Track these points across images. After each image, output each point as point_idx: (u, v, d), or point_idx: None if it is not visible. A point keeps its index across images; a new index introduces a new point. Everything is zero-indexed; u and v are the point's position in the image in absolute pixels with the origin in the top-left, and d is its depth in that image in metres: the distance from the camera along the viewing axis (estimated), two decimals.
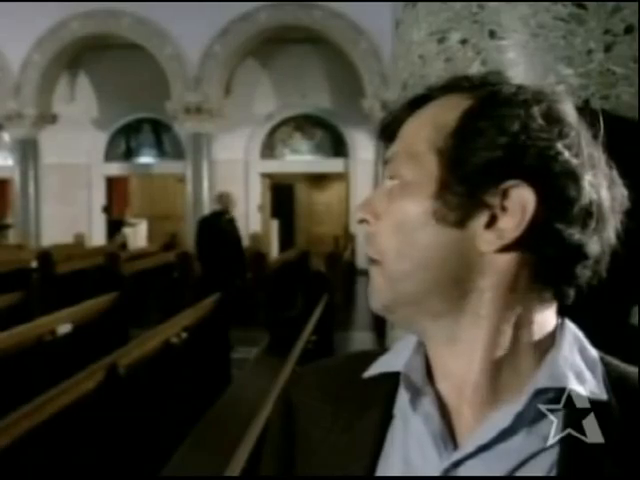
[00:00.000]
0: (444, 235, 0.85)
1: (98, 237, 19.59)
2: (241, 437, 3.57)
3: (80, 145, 19.36)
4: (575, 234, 0.82)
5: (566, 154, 0.82)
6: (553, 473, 0.81)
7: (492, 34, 1.54)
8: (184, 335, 6.75)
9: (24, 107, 18.00)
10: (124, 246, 18.26)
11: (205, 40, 16.95)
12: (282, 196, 20.56)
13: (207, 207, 17.29)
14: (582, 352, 0.87)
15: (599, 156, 0.86)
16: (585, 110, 0.90)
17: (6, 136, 19.55)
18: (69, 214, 19.24)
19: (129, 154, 20.05)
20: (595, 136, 0.88)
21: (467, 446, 0.84)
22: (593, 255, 0.84)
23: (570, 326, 0.90)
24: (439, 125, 0.88)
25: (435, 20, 1.62)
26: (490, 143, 0.83)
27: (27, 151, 18.49)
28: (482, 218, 0.84)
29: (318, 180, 21.47)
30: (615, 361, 0.89)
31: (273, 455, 1.04)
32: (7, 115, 18.05)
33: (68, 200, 19.36)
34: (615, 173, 0.88)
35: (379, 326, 9.69)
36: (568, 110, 0.87)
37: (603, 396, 0.83)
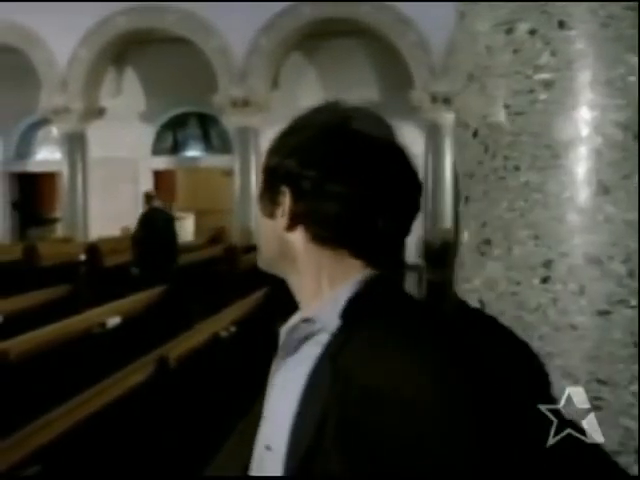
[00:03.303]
0: (268, 224, 1.32)
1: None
2: None
3: (127, 139, 19.54)
4: (333, 215, 1.23)
5: (310, 173, 1.24)
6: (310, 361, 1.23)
7: (561, 24, 1.53)
8: (233, 329, 6.80)
9: (71, 102, 18.20)
10: None
11: (250, 33, 17.00)
12: None
13: (254, 201, 17.37)
14: (357, 294, 1.24)
15: (342, 170, 1.24)
16: (343, 134, 1.26)
17: (54, 130, 19.81)
18: (116, 208, 19.44)
19: (176, 148, 20.20)
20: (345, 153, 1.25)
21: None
22: (335, 227, 1.24)
23: (360, 276, 1.26)
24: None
25: (502, 10, 1.62)
26: (277, 164, 1.31)
27: (74, 145, 18.69)
28: (278, 211, 1.28)
29: None
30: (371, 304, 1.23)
31: None
32: (55, 110, 18.27)
33: (115, 194, 19.56)
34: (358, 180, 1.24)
35: None
36: (320, 144, 1.27)
37: (332, 325, 1.21)
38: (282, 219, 1.27)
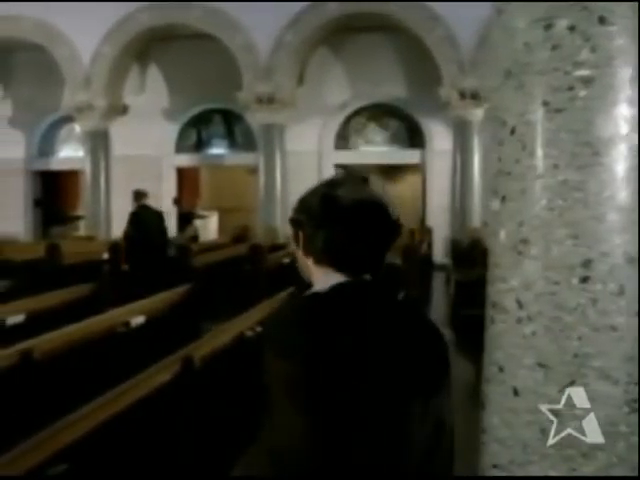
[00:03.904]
0: (298, 253, 2.02)
1: (168, 229, 19.78)
2: None
3: (150, 136, 19.60)
4: (319, 248, 1.96)
5: (309, 224, 1.97)
6: None
7: (602, 20, 1.53)
8: (259, 329, 6.81)
9: (95, 99, 18.30)
10: (195, 238, 18.48)
11: (276, 29, 17.01)
12: None
13: (279, 199, 17.39)
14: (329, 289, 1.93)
15: (333, 219, 1.93)
16: (328, 199, 1.94)
17: (77, 128, 19.93)
18: None
19: (200, 145, 20.23)
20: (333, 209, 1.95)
21: None
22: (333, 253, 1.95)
23: (337, 281, 1.94)
24: None
25: (541, 6, 1.62)
26: (295, 218, 2.03)
27: (97, 143, 18.79)
28: (299, 246, 2.01)
29: (392, 171, 21.38)
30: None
31: None
32: (78, 107, 18.37)
33: None
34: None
35: (456, 323, 9.65)
36: (327, 209, 1.95)
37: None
38: (300, 251, 2.02)
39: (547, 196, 1.63)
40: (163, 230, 12.02)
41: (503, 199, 1.77)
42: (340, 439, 1.78)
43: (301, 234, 1.99)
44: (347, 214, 1.92)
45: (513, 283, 1.73)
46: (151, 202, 19.17)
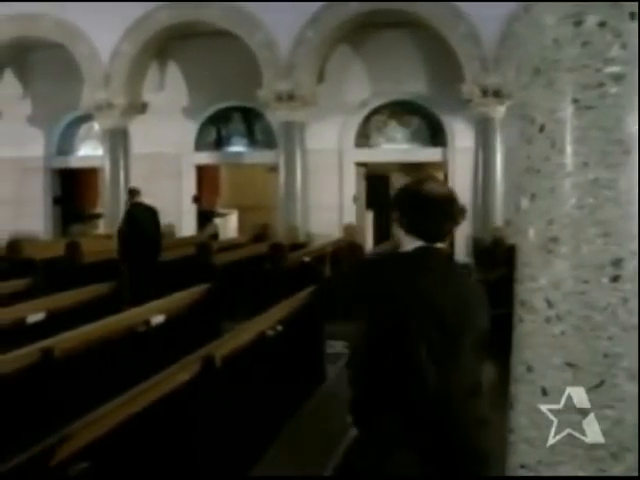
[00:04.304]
0: (396, 227, 3.04)
1: (188, 227, 19.89)
2: (337, 436, 3.60)
3: (169, 134, 19.66)
4: (407, 223, 2.99)
5: (399, 210, 3.03)
6: None
7: (632, 16, 1.53)
8: (279, 328, 6.83)
9: (114, 97, 18.36)
10: (215, 237, 18.54)
11: (296, 26, 17.01)
12: (377, 186, 20.44)
13: (300, 198, 17.40)
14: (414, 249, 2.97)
15: (416, 205, 2.98)
16: (412, 193, 3.03)
17: (96, 126, 20.03)
18: (158, 204, 19.43)
19: (219, 143, 20.26)
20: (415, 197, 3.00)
21: None
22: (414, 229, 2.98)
23: (419, 245, 2.96)
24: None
25: (570, 2, 1.61)
26: (392, 206, 3.07)
27: (117, 141, 18.85)
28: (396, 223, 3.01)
29: (414, 170, 21.33)
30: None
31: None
32: (97, 105, 18.44)
33: (157, 190, 19.62)
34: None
35: None
36: (410, 196, 3.03)
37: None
38: (397, 225, 3.02)
39: (577, 194, 1.64)
40: (157, 226, 12.20)
41: (532, 197, 1.77)
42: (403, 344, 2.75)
43: (396, 215, 3.04)
44: (425, 203, 2.98)
45: (542, 282, 1.73)
46: (171, 200, 19.35)
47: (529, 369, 1.86)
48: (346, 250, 12.56)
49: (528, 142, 1.77)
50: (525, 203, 1.80)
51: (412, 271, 2.85)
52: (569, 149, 1.64)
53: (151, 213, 12.29)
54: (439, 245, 2.96)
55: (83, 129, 21.41)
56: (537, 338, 1.82)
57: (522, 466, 1.90)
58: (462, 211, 3.01)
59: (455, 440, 2.69)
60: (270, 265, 11.93)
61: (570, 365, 1.76)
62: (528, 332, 1.86)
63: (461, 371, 2.75)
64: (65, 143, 21.53)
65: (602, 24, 1.58)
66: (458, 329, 2.76)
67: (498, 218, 16.25)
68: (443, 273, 2.91)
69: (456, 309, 2.78)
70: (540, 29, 1.71)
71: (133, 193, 12.05)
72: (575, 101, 1.63)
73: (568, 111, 1.65)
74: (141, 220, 11.69)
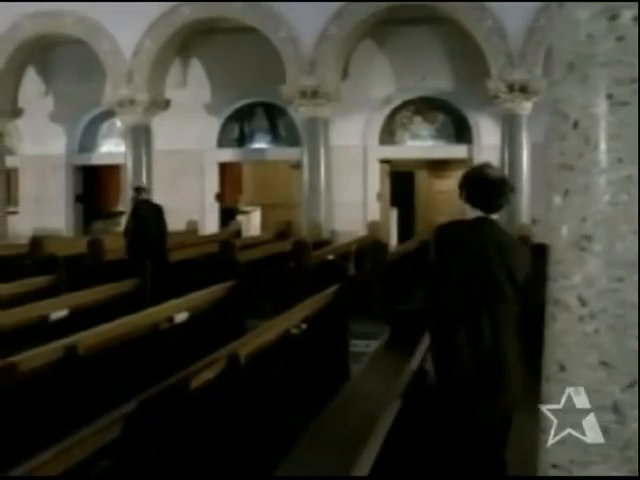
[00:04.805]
0: (464, 203, 4.27)
1: (211, 225, 19.94)
2: (363, 436, 3.60)
3: (192, 131, 19.72)
4: (470, 198, 4.22)
5: (465, 189, 4.26)
6: None
7: None
8: (304, 326, 6.84)
9: (136, 93, 18.37)
10: (238, 234, 18.56)
11: (320, 22, 16.96)
12: (401, 184, 20.41)
13: (323, 195, 17.38)
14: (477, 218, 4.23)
15: (477, 185, 4.24)
16: (475, 175, 4.30)
17: (118, 122, 20.11)
18: (181, 201, 19.65)
19: (242, 140, 20.30)
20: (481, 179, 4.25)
21: None
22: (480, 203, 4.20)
23: (479, 214, 4.17)
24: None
25: None
26: (460, 186, 4.30)
27: (139, 137, 18.85)
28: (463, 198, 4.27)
29: (439, 167, 21.28)
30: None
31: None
32: (119, 101, 18.46)
33: (180, 187, 19.75)
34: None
35: None
36: (472, 177, 4.31)
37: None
38: (464, 200, 4.20)
39: (611, 191, 1.63)
40: (163, 224, 12.32)
41: (565, 194, 1.76)
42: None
43: (463, 192, 4.21)
44: (483, 183, 4.17)
45: (575, 280, 1.73)
46: (193, 197, 19.41)
47: (562, 368, 1.86)
48: (370, 248, 12.53)
49: (562, 138, 1.77)
50: (558, 200, 1.80)
51: (472, 231, 4.13)
52: (603, 145, 1.64)
53: (157, 211, 12.38)
54: (494, 216, 4.17)
55: (105, 126, 21.54)
56: (570, 336, 1.82)
57: (554, 466, 1.90)
58: (512, 189, 4.29)
59: (499, 366, 3.97)
60: (294, 263, 11.93)
61: (603, 364, 1.75)
62: (561, 330, 1.85)
63: (502, 312, 3.99)
64: (87, 140, 21.66)
65: (637, 19, 1.57)
66: (499, 277, 3.98)
67: (524, 216, 16.15)
68: (494, 236, 4.11)
69: (500, 262, 4.00)
70: (574, 24, 1.71)
71: (139, 191, 12.18)
72: (609, 97, 1.63)
73: (602, 107, 1.64)
74: (147, 217, 11.79)
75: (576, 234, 1.72)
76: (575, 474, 1.85)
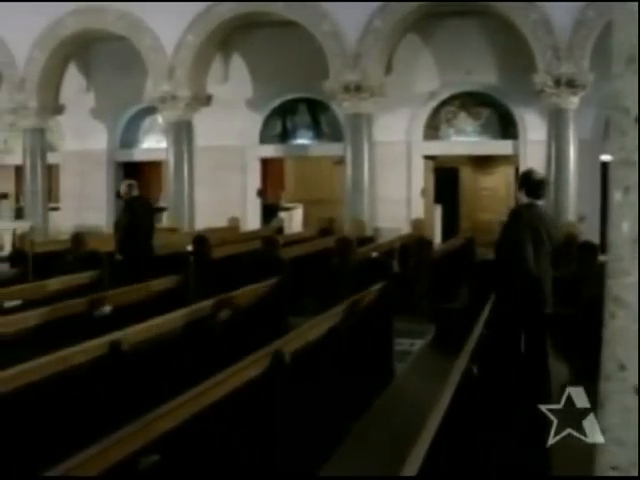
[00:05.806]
0: (519, 193, 7.35)
1: (252, 221, 20.00)
2: (410, 436, 3.59)
3: (234, 126, 19.80)
4: (525, 190, 7.26)
5: (528, 186, 7.25)
6: None
7: None
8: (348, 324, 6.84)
9: (178, 89, 18.48)
10: (280, 231, 18.57)
11: (364, 15, 16.91)
12: (445, 180, 20.34)
13: (367, 191, 17.34)
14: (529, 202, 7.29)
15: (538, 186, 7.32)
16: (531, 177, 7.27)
17: (159, 118, 20.26)
18: (223, 197, 19.73)
19: (285, 135, 20.34)
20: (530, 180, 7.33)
21: None
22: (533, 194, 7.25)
23: (528, 201, 7.22)
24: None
25: None
26: (518, 186, 7.40)
27: (181, 133, 18.96)
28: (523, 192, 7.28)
29: (484, 163, 21.17)
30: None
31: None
32: (161, 97, 18.58)
33: (222, 183, 19.85)
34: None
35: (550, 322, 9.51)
36: (529, 178, 7.34)
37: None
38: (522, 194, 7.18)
39: None
40: (152, 219, 12.60)
41: (626, 190, 1.75)
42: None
43: (520, 186, 7.11)
44: (533, 181, 7.13)
45: (635, 277, 1.72)
46: (235, 193, 19.49)
47: (621, 367, 1.84)
48: (415, 245, 12.50)
49: (622, 134, 1.75)
50: (618, 196, 1.78)
51: (529, 211, 6.97)
52: None
53: (148, 207, 12.65)
54: (539, 202, 7.14)
55: (147, 122, 21.74)
56: (630, 335, 1.80)
57: (613, 467, 1.88)
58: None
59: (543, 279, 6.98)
60: (338, 260, 11.92)
61: None
62: (620, 328, 1.84)
63: (543, 260, 6.95)
64: (129, 136, 21.87)
65: None
66: (543, 240, 6.94)
67: (571, 213, 15.99)
68: (539, 213, 7.07)
69: (543, 230, 6.94)
70: (634, 17, 1.70)
71: (131, 187, 12.34)
72: None
73: None
74: (139, 214, 12.00)
75: (637, 230, 1.70)
76: (635, 476, 1.83)
